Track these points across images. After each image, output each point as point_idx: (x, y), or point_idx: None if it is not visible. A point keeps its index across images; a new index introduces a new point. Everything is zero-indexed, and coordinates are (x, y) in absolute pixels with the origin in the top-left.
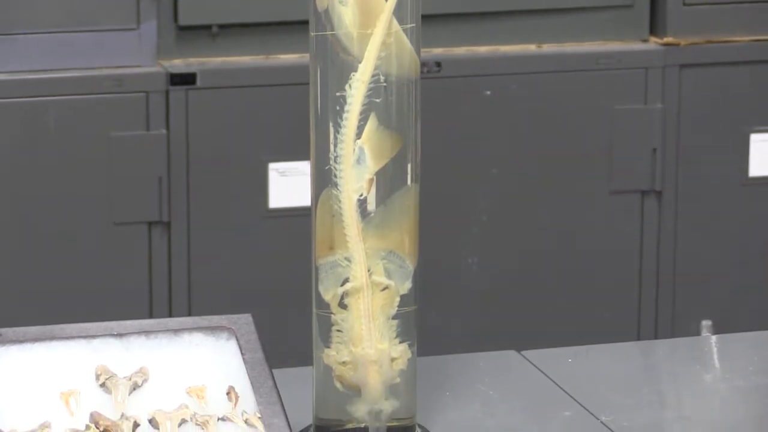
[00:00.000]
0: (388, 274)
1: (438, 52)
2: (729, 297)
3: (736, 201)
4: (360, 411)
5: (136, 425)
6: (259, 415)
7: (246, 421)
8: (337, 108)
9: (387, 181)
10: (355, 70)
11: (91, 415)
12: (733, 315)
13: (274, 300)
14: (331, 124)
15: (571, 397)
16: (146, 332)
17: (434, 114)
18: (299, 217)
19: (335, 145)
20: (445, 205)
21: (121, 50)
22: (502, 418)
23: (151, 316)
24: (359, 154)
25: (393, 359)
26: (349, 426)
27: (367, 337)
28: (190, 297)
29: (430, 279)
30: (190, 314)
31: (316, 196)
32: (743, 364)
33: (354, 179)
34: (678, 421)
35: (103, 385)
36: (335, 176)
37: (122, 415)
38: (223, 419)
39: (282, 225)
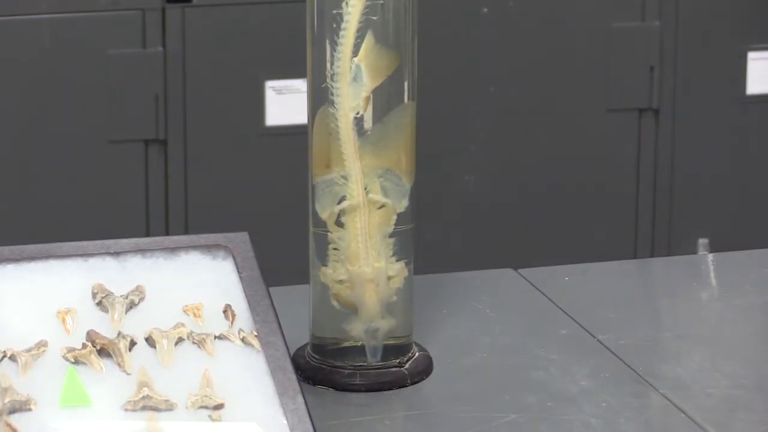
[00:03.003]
0: (385, 193)
1: None
2: (726, 215)
3: (733, 119)
4: (356, 329)
5: (132, 344)
6: (255, 334)
7: (243, 340)
8: (334, 26)
9: (384, 99)
10: None
11: (88, 333)
12: (730, 233)
13: (271, 218)
14: (327, 42)
15: (567, 315)
16: (143, 251)
17: (431, 32)
18: (296, 135)
19: (332, 63)
20: (443, 123)
21: None
22: (498, 336)
23: (147, 234)
24: (356, 72)
25: (390, 277)
26: (346, 344)
27: (364, 256)
28: (186, 215)
29: (428, 197)
30: (186, 232)
31: (312, 114)
32: (740, 282)
33: (351, 97)
34: (674, 339)
35: (99, 303)
36: (332, 94)
37: (119, 333)
38: (219, 338)
39: (278, 143)
